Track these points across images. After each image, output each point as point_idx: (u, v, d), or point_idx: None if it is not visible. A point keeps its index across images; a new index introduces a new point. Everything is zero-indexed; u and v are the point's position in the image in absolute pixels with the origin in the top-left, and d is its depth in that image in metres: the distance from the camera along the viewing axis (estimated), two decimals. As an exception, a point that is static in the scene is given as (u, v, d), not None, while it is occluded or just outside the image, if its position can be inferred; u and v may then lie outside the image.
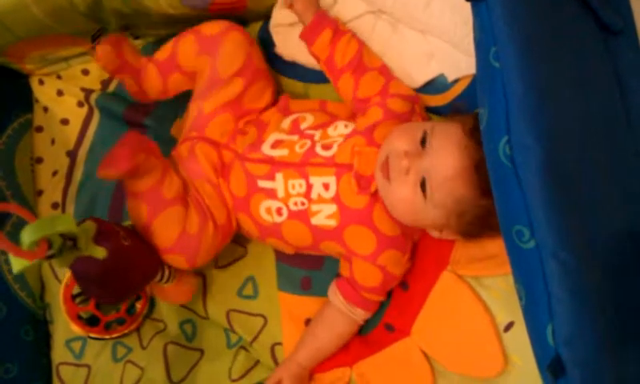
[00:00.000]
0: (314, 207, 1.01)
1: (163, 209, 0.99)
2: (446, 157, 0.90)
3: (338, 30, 1.09)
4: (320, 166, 1.01)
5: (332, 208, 1.01)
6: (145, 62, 1.13)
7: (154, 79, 1.13)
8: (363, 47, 1.09)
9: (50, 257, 0.80)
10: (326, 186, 1.00)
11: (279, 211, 1.03)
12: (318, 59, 1.12)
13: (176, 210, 1.00)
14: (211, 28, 1.11)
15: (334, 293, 1.06)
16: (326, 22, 1.08)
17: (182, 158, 1.09)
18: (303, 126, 1.07)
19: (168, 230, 1.00)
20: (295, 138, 1.05)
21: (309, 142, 1.03)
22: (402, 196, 0.94)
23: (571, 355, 0.64)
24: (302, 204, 1.02)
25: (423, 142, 0.93)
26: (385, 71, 1.09)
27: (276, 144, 1.05)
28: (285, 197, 1.02)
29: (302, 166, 1.02)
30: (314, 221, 1.02)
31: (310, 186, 1.01)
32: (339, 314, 1.06)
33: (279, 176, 1.02)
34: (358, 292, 1.03)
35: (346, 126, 1.05)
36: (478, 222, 0.92)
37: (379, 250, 1.00)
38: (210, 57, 1.10)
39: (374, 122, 1.03)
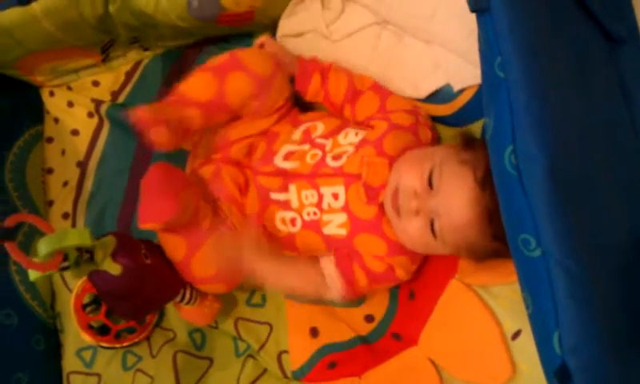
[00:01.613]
0: (325, 217, 1.02)
1: (202, 242, 0.97)
2: (456, 207, 0.89)
3: (323, 68, 1.10)
4: (329, 176, 1.01)
5: (342, 217, 1.01)
6: (185, 110, 1.02)
7: (197, 121, 1.03)
8: (351, 75, 1.11)
9: (64, 268, 0.81)
10: (336, 196, 1.01)
11: (293, 222, 1.04)
12: (316, 101, 1.15)
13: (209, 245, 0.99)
14: (264, 68, 1.06)
15: (327, 258, 1.04)
16: (310, 66, 1.10)
17: (205, 181, 1.07)
18: (314, 135, 1.08)
19: (208, 262, 0.99)
20: (307, 147, 1.06)
21: (320, 153, 1.04)
22: (411, 233, 0.95)
23: (577, 363, 0.64)
24: (315, 214, 1.02)
25: (430, 180, 0.93)
26: (377, 89, 1.10)
27: (288, 156, 1.06)
28: (299, 207, 1.03)
29: (312, 177, 1.02)
30: (326, 230, 1.02)
31: (320, 196, 1.02)
32: (318, 275, 1.03)
33: (292, 187, 1.03)
34: (352, 264, 1.01)
35: (356, 134, 1.05)
36: (490, 254, 0.93)
37: (390, 255, 1.00)
38: (258, 98, 1.07)
39: (383, 133, 1.03)
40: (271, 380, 1.13)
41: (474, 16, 0.75)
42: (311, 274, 1.02)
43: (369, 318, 1.11)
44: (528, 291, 0.70)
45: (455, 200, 0.89)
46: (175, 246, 0.98)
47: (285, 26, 1.18)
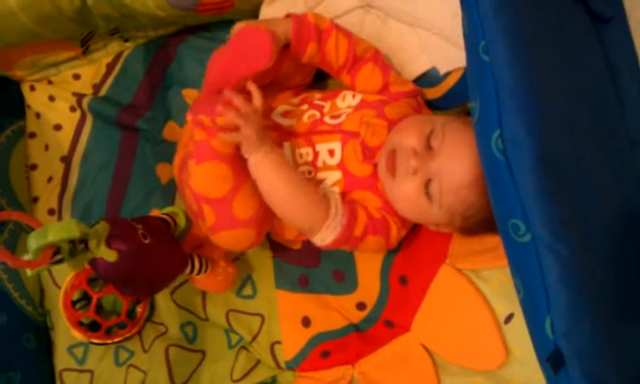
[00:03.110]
0: (320, 175, 1.01)
1: (248, 178, 0.95)
2: (460, 164, 0.88)
3: (321, 34, 1.01)
4: (326, 133, 1.00)
5: (337, 175, 1.00)
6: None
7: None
8: (352, 40, 1.03)
9: (59, 261, 0.80)
10: (331, 153, 1.00)
11: None
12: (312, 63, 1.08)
13: (252, 181, 0.96)
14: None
15: (332, 191, 1.00)
16: (305, 32, 1.00)
17: None
18: (313, 101, 1.07)
19: (250, 200, 0.95)
20: (305, 106, 1.05)
21: (317, 114, 1.03)
22: (405, 194, 0.94)
23: (570, 347, 0.64)
24: (309, 173, 1.01)
25: (431, 141, 0.92)
26: (379, 61, 1.05)
27: (285, 114, 1.05)
28: (293, 166, 1.01)
29: (308, 135, 1.01)
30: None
31: (316, 154, 1.01)
32: (323, 199, 0.96)
33: (286, 145, 1.02)
34: (355, 204, 0.98)
35: (353, 96, 1.05)
36: (483, 224, 0.91)
37: (384, 209, 0.99)
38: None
39: (384, 100, 1.02)
40: (265, 371, 1.13)
41: (457, -1, 0.74)
42: (317, 195, 0.96)
43: (360, 306, 1.11)
44: (519, 276, 0.70)
45: (460, 158, 0.89)
46: (223, 178, 0.94)
47: (266, 12, 1.16)
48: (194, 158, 0.94)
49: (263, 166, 0.93)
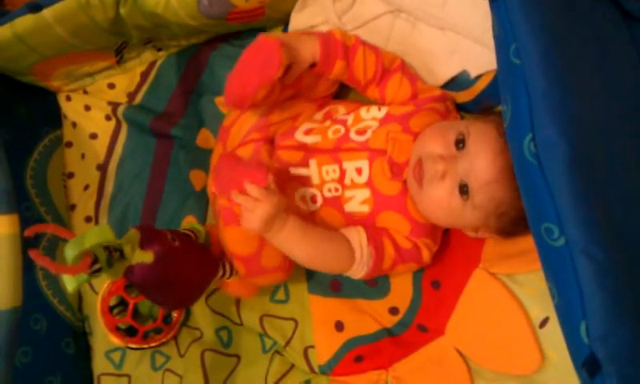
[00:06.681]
0: (348, 193, 1.01)
1: None
2: (485, 160, 0.88)
3: (348, 50, 1.02)
4: (353, 150, 1.00)
5: (365, 193, 1.00)
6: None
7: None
8: (379, 54, 1.05)
9: (97, 271, 0.81)
10: (359, 171, 1.00)
11: (314, 199, 1.03)
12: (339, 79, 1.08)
13: None
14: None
15: (355, 229, 1.00)
16: (332, 50, 1.01)
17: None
18: (335, 115, 1.07)
19: (276, 251, 0.97)
20: (328, 123, 1.05)
21: (342, 129, 1.03)
22: (437, 200, 0.93)
23: (606, 352, 0.63)
24: (336, 190, 1.01)
25: (458, 143, 0.92)
26: (406, 71, 1.07)
27: (309, 131, 1.05)
28: (319, 183, 1.02)
29: (335, 152, 1.01)
30: (348, 207, 1.02)
31: (343, 172, 1.01)
32: (346, 247, 0.97)
33: (313, 162, 1.02)
34: (382, 238, 0.99)
35: (379, 109, 1.04)
36: (518, 222, 0.90)
37: (413, 235, 1.00)
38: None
39: (410, 112, 1.02)
40: (299, 375, 1.13)
41: (486, 1, 0.74)
42: (340, 244, 0.98)
43: (393, 311, 1.10)
44: (553, 281, 0.70)
45: (485, 154, 0.89)
46: (249, 239, 0.98)
47: (296, 19, 1.17)
48: (221, 220, 0.99)
49: (278, 241, 0.95)
